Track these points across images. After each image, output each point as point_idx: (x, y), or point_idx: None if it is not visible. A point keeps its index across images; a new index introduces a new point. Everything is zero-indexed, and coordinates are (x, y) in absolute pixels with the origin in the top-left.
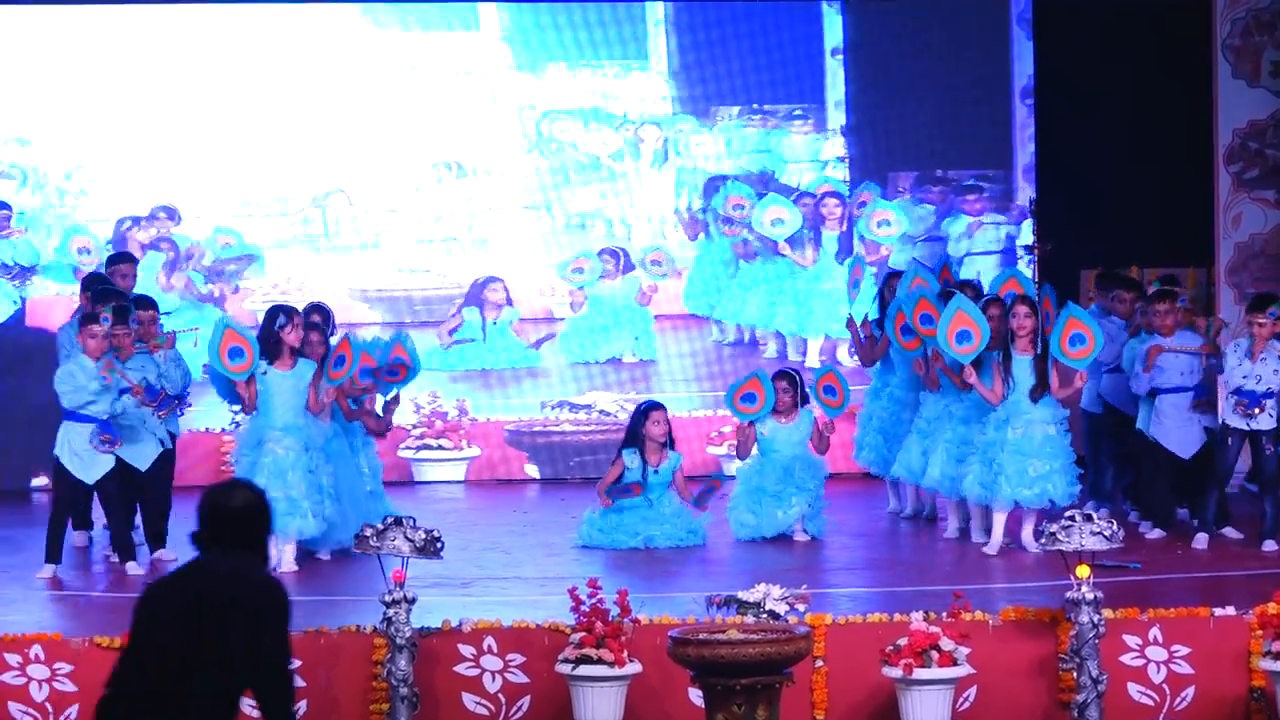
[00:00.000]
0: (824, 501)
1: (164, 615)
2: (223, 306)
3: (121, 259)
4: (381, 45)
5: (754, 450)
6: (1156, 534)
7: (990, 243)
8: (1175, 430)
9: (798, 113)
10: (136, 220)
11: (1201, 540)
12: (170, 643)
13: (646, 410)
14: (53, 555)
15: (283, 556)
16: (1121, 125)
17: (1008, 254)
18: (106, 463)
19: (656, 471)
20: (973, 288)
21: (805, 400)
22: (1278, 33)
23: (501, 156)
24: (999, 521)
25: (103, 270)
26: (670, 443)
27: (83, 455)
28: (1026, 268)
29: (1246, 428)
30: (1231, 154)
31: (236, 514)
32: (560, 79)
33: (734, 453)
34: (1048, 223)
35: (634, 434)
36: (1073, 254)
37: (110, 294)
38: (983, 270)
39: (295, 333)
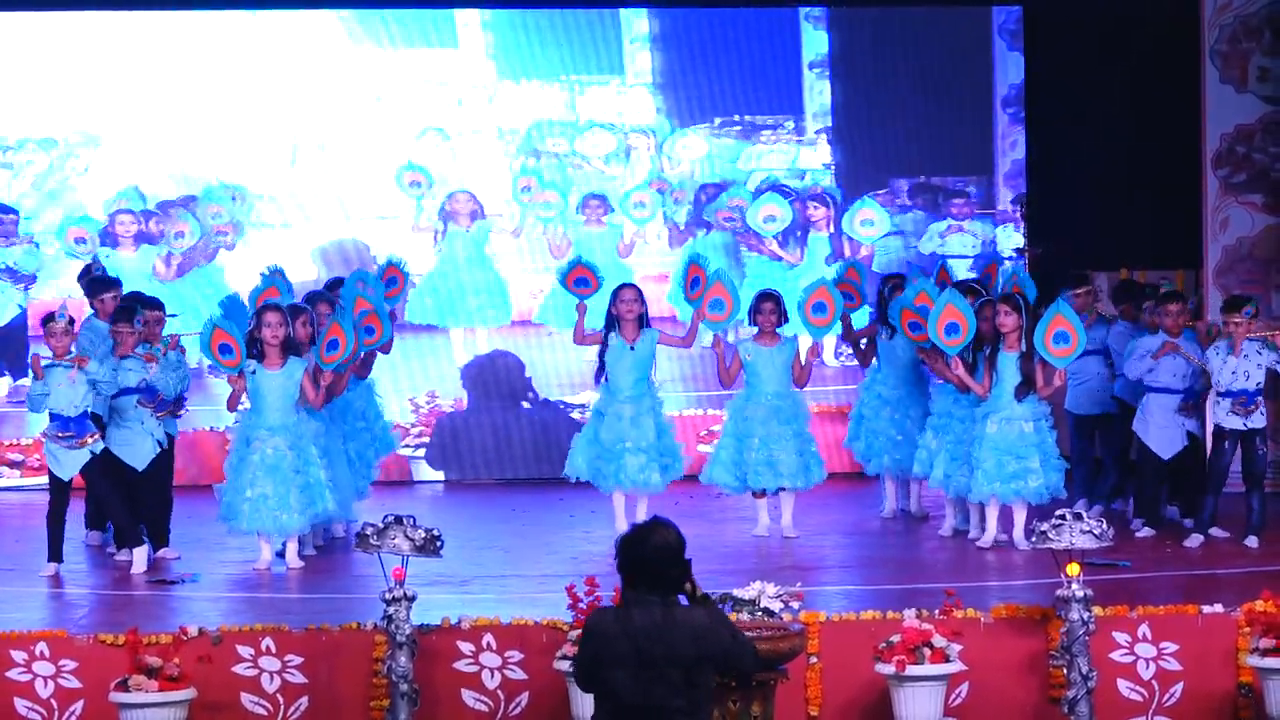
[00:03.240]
0: (811, 440)
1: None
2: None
3: (104, 287)
4: (360, 60)
5: (740, 375)
6: (1146, 532)
7: (971, 247)
8: (1159, 430)
9: (774, 123)
10: (126, 212)
11: (1195, 541)
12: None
13: (617, 291)
14: (54, 554)
15: (287, 552)
16: (1112, 130)
17: (988, 258)
18: (79, 459)
19: (633, 349)
20: (973, 288)
21: (786, 320)
22: (1265, 39)
23: (485, 169)
24: (992, 515)
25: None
26: (645, 321)
27: (55, 453)
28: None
29: (1244, 427)
30: (1219, 158)
31: (674, 553)
32: (540, 93)
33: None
34: (1039, 226)
35: (609, 317)
36: (1064, 256)
37: (119, 294)
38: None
39: (272, 331)
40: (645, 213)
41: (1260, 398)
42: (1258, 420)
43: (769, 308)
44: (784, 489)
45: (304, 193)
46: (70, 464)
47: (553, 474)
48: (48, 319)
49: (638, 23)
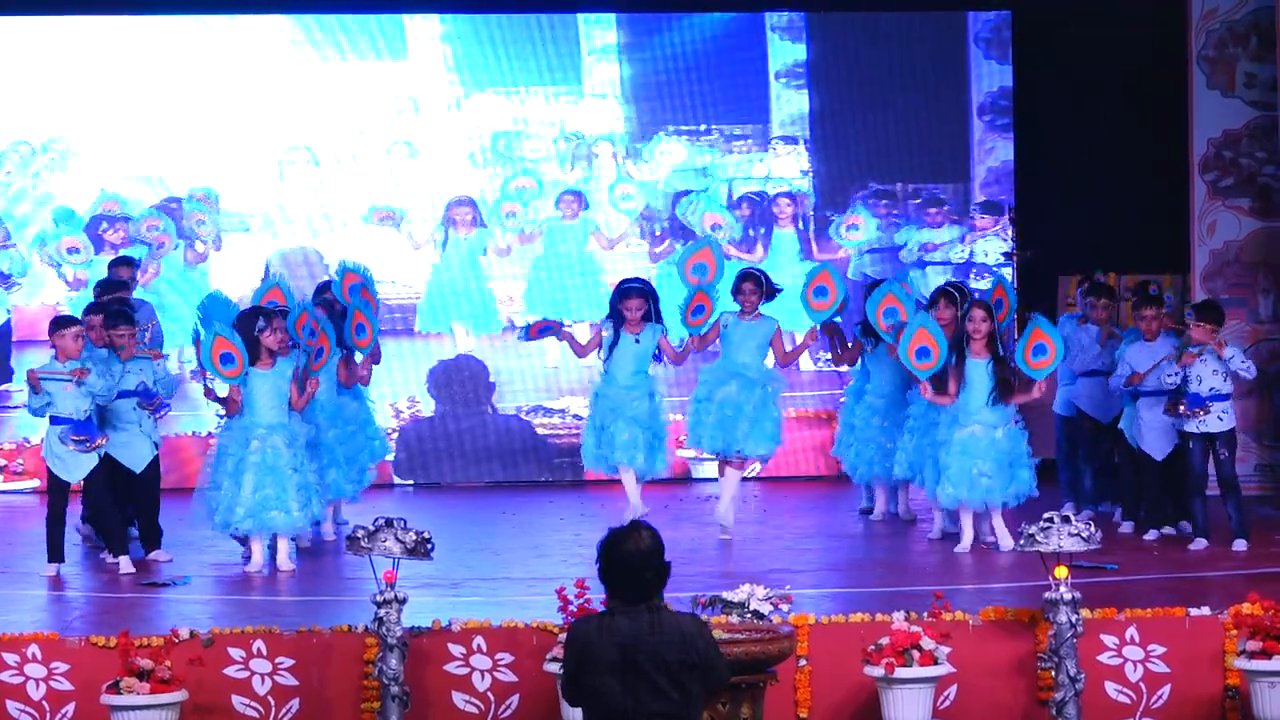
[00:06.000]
0: (773, 411)
1: (614, 677)
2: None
3: (122, 263)
4: (321, 71)
5: (716, 341)
6: (1151, 534)
7: (951, 254)
8: (1150, 432)
9: (741, 132)
10: (109, 219)
11: (1199, 544)
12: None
13: (623, 295)
14: (55, 554)
15: (279, 554)
16: (1100, 134)
17: (967, 265)
18: (89, 462)
19: (638, 340)
20: (948, 292)
21: (770, 297)
22: (1251, 44)
23: (450, 180)
24: (966, 521)
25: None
26: (657, 318)
27: (63, 456)
28: (1007, 274)
29: (1195, 430)
30: (1207, 163)
31: (649, 557)
32: (499, 104)
33: (701, 454)
34: (1027, 230)
35: (614, 312)
36: (1052, 261)
37: (113, 299)
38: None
39: (274, 336)
40: (632, 204)
41: (1216, 402)
42: (1213, 424)
43: (749, 288)
44: (735, 456)
45: (273, 200)
46: (79, 468)
47: (518, 477)
48: (62, 322)
49: (602, 32)
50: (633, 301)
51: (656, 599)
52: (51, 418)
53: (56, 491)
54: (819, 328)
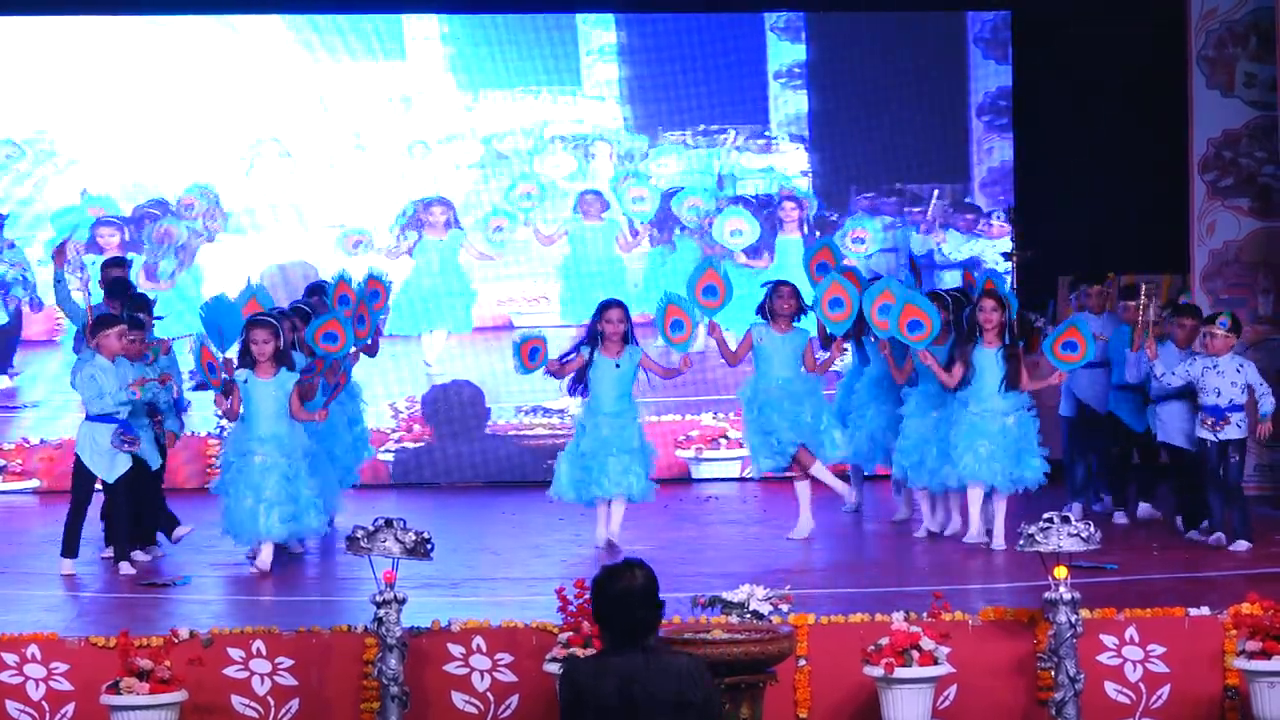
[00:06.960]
0: (832, 421)
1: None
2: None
3: (113, 264)
4: (317, 72)
5: (746, 357)
6: (1193, 534)
7: (952, 253)
8: (1174, 429)
9: (739, 131)
10: (108, 222)
11: (1219, 538)
12: None
13: (603, 309)
14: (70, 550)
15: (260, 555)
16: (1099, 134)
17: (967, 264)
18: (125, 463)
19: (618, 365)
20: (939, 294)
21: (804, 312)
22: (1251, 44)
23: (448, 180)
24: (975, 507)
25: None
26: (630, 337)
27: (105, 455)
28: (1005, 274)
29: (1217, 439)
30: (1206, 163)
31: (641, 596)
32: (497, 104)
33: (700, 454)
34: (1027, 230)
35: (593, 332)
36: (1052, 261)
37: (127, 300)
38: (948, 280)
39: (259, 348)
40: (645, 207)
41: (1234, 413)
42: (1232, 433)
43: (787, 291)
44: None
45: (268, 201)
46: (118, 467)
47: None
48: (105, 322)
49: (601, 33)
50: (613, 312)
51: (650, 639)
52: (94, 415)
53: (85, 489)
54: (841, 339)
